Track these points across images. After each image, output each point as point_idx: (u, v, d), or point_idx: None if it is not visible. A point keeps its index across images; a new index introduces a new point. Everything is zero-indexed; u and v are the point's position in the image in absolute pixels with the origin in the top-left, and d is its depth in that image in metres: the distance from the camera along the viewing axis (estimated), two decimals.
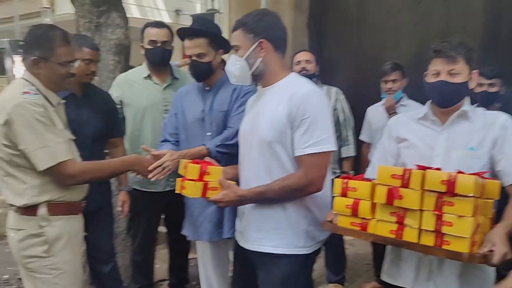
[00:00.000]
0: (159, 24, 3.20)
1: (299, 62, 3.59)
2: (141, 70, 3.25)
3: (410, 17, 4.74)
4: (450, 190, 1.67)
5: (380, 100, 3.68)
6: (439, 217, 1.69)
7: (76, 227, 2.29)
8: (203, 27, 2.58)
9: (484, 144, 1.92)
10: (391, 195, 1.76)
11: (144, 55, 3.18)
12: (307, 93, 1.92)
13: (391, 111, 3.47)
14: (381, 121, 3.47)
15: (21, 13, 11.62)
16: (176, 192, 2.02)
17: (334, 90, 3.62)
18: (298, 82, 2.01)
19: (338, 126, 3.54)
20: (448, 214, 1.68)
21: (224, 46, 2.62)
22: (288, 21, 5.04)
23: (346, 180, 1.95)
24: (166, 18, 12.95)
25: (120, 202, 3.01)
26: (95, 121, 2.82)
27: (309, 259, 2.06)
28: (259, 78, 2.04)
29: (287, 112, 1.91)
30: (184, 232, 2.78)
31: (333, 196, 1.97)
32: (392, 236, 1.78)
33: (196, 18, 2.81)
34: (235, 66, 2.00)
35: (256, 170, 2.00)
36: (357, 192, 1.90)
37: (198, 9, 13.74)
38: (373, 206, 1.86)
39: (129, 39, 3.78)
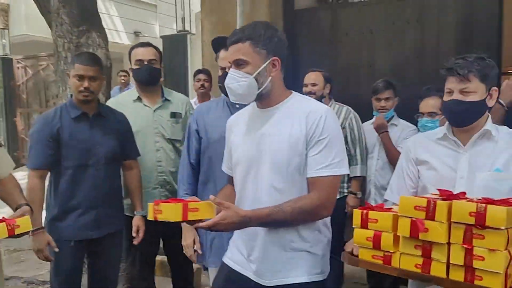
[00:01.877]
0: (145, 44, 3.15)
1: (306, 84, 3.59)
2: (131, 93, 3.18)
3: (384, 37, 4.85)
4: (479, 222, 1.53)
5: (371, 118, 3.65)
6: (469, 251, 1.56)
7: None
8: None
9: (511, 165, 1.83)
10: (416, 228, 1.63)
11: (133, 76, 3.12)
12: (324, 113, 1.82)
13: (381, 130, 3.41)
14: (372, 140, 3.50)
15: None
16: (149, 219, 1.80)
17: (345, 108, 3.59)
18: (309, 101, 1.93)
19: (346, 144, 3.48)
20: (479, 247, 1.55)
21: None
22: None
23: (366, 211, 1.81)
24: (125, 40, 12.80)
25: (135, 228, 2.87)
26: (108, 141, 2.74)
27: (325, 286, 1.95)
28: (262, 98, 1.86)
29: (305, 133, 1.80)
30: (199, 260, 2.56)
31: (353, 228, 1.84)
32: (418, 270, 1.67)
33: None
34: (240, 83, 1.80)
35: (269, 194, 1.83)
36: (378, 223, 1.77)
37: (158, 31, 13.72)
38: (396, 237, 1.73)
39: (110, 59, 3.70)
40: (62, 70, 3.55)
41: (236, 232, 2.00)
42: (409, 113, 3.32)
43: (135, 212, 2.91)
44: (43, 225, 2.69)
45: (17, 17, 11.70)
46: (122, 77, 6.36)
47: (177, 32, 6.83)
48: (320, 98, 3.53)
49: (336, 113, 3.54)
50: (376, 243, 1.75)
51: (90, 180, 2.69)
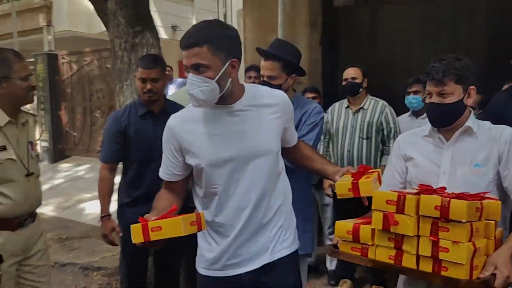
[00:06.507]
0: None
1: (346, 79, 3.79)
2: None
3: (419, 35, 4.97)
4: (443, 215, 1.63)
5: (407, 111, 4.05)
6: (435, 243, 1.66)
7: None
8: (280, 51, 2.59)
9: (490, 160, 1.91)
10: (387, 222, 1.74)
11: None
12: (285, 95, 2.02)
13: None
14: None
15: (20, 29, 11.65)
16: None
17: (380, 102, 3.77)
18: (266, 89, 2.00)
19: (382, 137, 3.70)
20: (444, 239, 1.64)
21: (297, 71, 2.64)
22: (304, 39, 5.23)
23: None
24: (162, 34, 13.10)
25: None
26: None
27: None
28: (224, 99, 1.81)
29: (281, 120, 1.95)
30: None
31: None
32: (391, 261, 1.77)
33: (275, 41, 2.79)
34: (201, 89, 1.73)
35: (262, 187, 1.88)
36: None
37: None
38: (373, 231, 1.83)
39: (162, 57, 3.92)
40: (119, 69, 3.80)
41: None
42: None
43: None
44: (110, 213, 2.96)
45: (60, 14, 12.16)
46: (166, 72, 6.59)
47: None
48: (357, 91, 3.74)
49: (372, 107, 3.74)
50: (355, 236, 1.87)
51: (154, 173, 2.82)
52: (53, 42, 10.91)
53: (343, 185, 1.94)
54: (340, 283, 4.02)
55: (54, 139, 9.97)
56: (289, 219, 2.02)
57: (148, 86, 2.87)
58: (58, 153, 10.01)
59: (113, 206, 3.01)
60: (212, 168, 1.84)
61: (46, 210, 6.93)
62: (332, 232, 3.92)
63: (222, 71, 1.73)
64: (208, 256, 1.93)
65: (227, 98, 1.82)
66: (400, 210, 1.70)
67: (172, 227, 1.64)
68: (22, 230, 2.41)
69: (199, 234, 1.98)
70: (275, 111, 1.92)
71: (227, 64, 1.75)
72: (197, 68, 1.72)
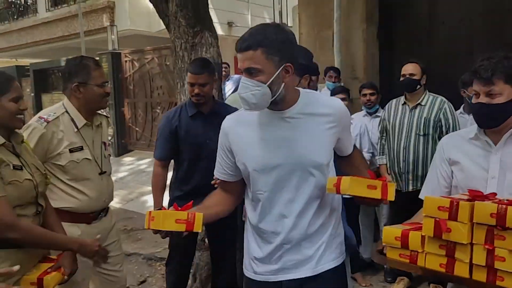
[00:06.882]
0: None
1: (404, 75, 3.74)
2: None
3: (482, 26, 4.81)
4: (500, 223, 1.53)
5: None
6: (490, 252, 1.56)
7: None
8: None
9: None
10: (439, 228, 1.64)
11: None
12: (342, 105, 1.94)
13: None
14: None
15: (86, 29, 12.22)
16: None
17: (439, 99, 3.70)
18: (322, 97, 2.00)
19: (441, 134, 3.60)
20: (500, 248, 1.54)
21: (309, 71, 2.64)
22: (360, 34, 5.22)
23: None
24: (219, 31, 13.26)
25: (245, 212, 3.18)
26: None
27: None
28: (276, 104, 1.79)
29: (335, 131, 1.88)
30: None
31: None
32: (442, 270, 1.68)
33: None
34: (253, 92, 1.72)
35: (308, 197, 1.85)
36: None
37: (249, 21, 14.11)
38: (423, 237, 1.73)
39: (221, 56, 4.04)
40: (180, 68, 3.94)
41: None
42: None
43: None
44: (163, 206, 3.13)
45: (121, 14, 12.63)
46: (223, 69, 6.70)
47: None
48: (414, 88, 3.70)
49: (430, 103, 3.68)
50: (404, 242, 1.76)
51: (202, 172, 2.98)
52: (117, 41, 11.36)
53: (331, 180, 1.80)
54: (397, 280, 4.01)
55: (118, 134, 10.42)
56: (337, 229, 1.98)
57: (196, 90, 3.00)
58: (121, 147, 10.45)
59: (166, 202, 3.19)
60: (259, 173, 1.84)
61: (112, 202, 7.21)
62: None
63: (275, 75, 1.72)
64: (252, 259, 1.96)
65: (279, 103, 1.79)
66: (453, 217, 1.62)
67: (158, 219, 1.74)
68: (96, 223, 2.61)
69: (245, 237, 2.02)
70: (330, 121, 1.86)
71: (281, 68, 1.73)
72: (250, 72, 1.73)
